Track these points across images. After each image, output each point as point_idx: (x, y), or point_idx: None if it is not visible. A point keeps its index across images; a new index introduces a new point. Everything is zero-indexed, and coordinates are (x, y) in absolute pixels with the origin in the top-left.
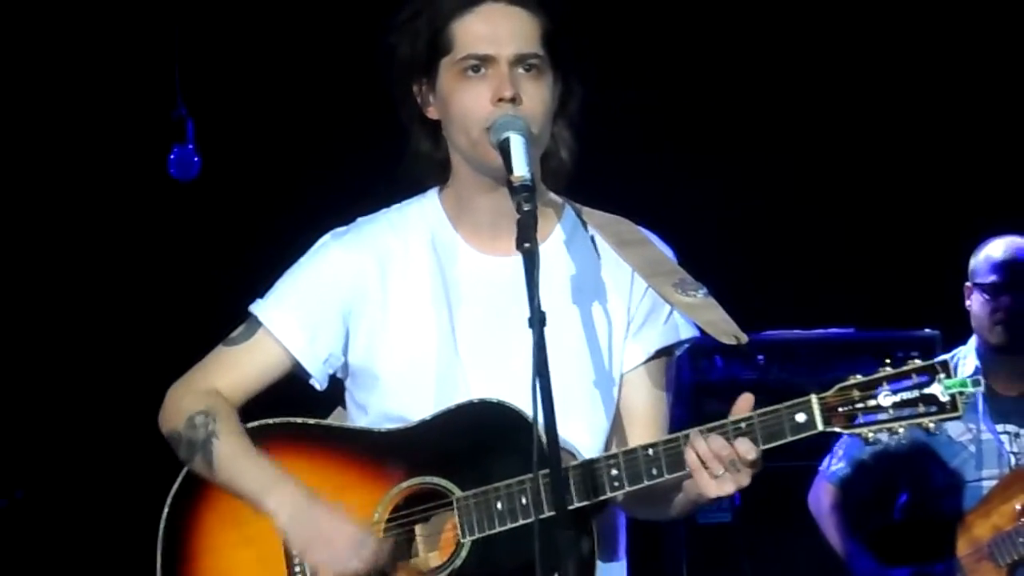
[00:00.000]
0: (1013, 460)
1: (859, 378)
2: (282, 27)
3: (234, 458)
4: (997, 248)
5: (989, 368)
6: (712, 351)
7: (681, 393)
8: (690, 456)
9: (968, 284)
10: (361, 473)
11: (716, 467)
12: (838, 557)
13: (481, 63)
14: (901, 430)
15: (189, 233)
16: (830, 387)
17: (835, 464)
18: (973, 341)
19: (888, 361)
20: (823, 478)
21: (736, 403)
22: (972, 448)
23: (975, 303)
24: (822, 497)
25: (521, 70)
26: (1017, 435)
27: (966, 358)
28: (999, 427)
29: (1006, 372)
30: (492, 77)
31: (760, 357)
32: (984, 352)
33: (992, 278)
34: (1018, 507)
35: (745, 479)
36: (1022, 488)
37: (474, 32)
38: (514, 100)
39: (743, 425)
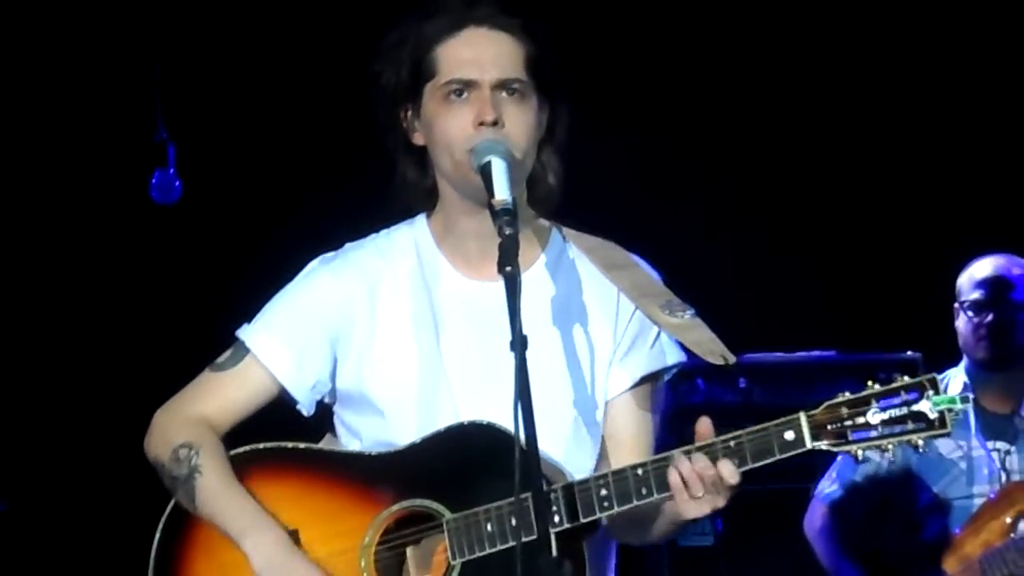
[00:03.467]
0: (1004, 477)
1: (847, 395)
2: (264, 51)
3: (215, 496)
4: (981, 266)
5: (978, 386)
6: (694, 374)
7: (663, 416)
8: (673, 477)
9: (956, 305)
10: (351, 497)
11: (697, 488)
12: None
13: (464, 87)
14: (890, 447)
15: (170, 257)
16: (816, 407)
17: (829, 486)
18: (963, 362)
19: (870, 383)
20: (817, 500)
21: (697, 429)
22: (963, 464)
23: (961, 321)
24: (816, 519)
25: (504, 94)
26: (1008, 452)
27: (955, 378)
28: (990, 444)
29: (995, 389)
30: (474, 101)
31: (742, 380)
32: (973, 370)
33: (976, 295)
34: (1008, 521)
35: (722, 501)
36: (1011, 504)
37: (457, 56)
38: (496, 123)
39: (732, 443)
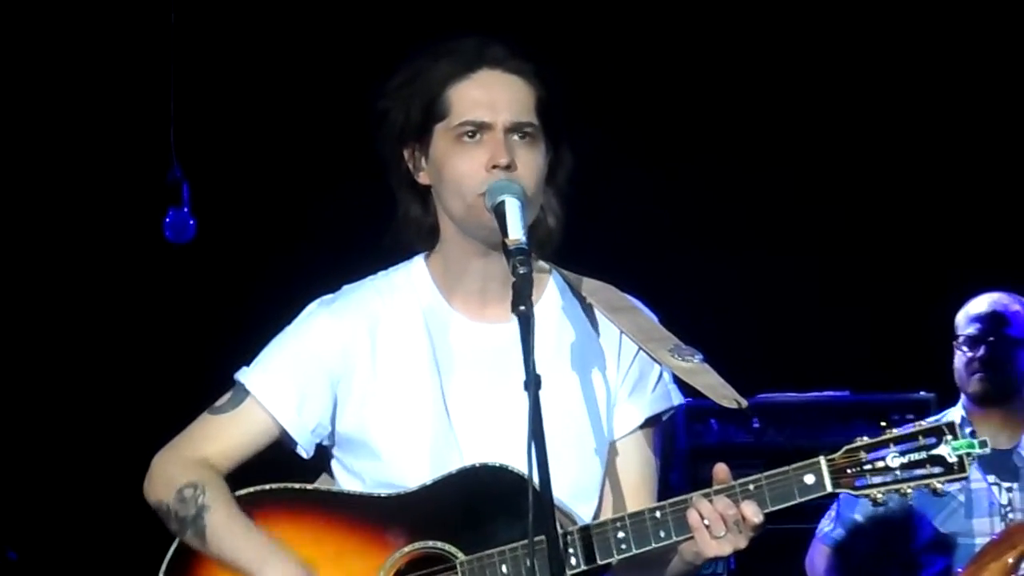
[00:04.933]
0: (1002, 511)
1: (866, 440)
2: (277, 91)
3: (227, 531)
4: (977, 302)
5: (975, 422)
6: (707, 414)
7: (677, 457)
8: (692, 516)
9: (953, 343)
10: (362, 538)
11: (719, 527)
12: None
13: (477, 129)
14: (909, 491)
15: (184, 297)
16: (828, 449)
17: (829, 526)
18: (961, 400)
19: (884, 424)
20: (819, 540)
21: (714, 473)
22: (961, 497)
23: (956, 358)
24: (817, 559)
25: (516, 137)
26: (1011, 489)
27: (952, 416)
28: (990, 477)
29: (993, 425)
30: (487, 143)
31: (755, 420)
32: (969, 406)
33: (971, 330)
34: (1010, 562)
35: (743, 541)
36: (1012, 544)
37: (471, 98)
38: (509, 167)
39: (751, 487)
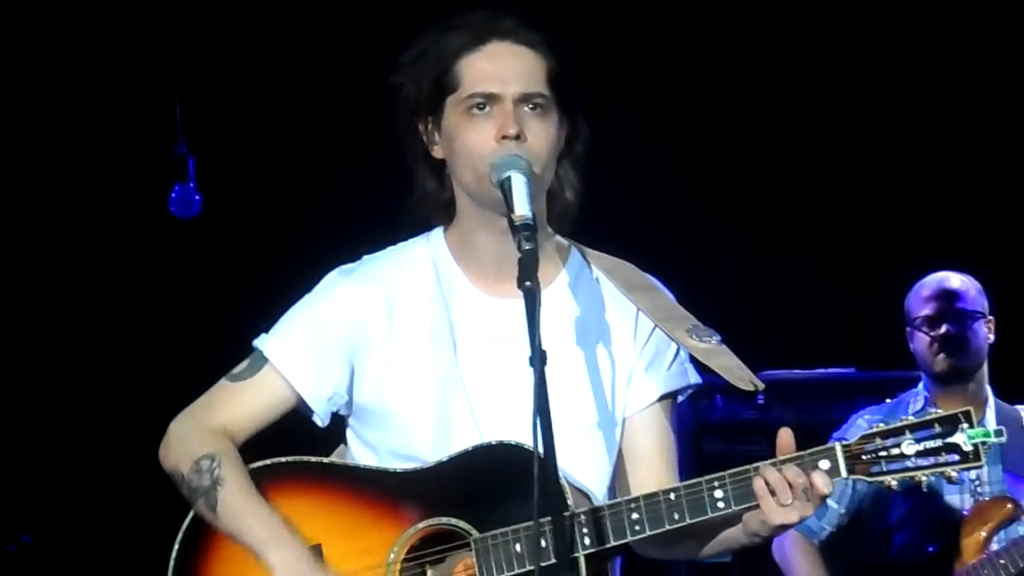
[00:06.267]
0: (972, 486)
1: (882, 426)
2: (283, 65)
3: (237, 507)
4: (924, 284)
5: (939, 401)
6: (712, 391)
7: (682, 433)
8: (758, 484)
9: (908, 329)
10: (377, 513)
11: (786, 495)
12: None
13: (486, 101)
14: (924, 479)
15: (190, 271)
16: (831, 427)
17: None
18: (922, 381)
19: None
20: None
21: (779, 441)
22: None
23: (915, 341)
24: (786, 542)
25: (526, 108)
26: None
27: (916, 398)
28: None
29: (955, 404)
30: (497, 115)
31: (760, 397)
32: (932, 386)
33: (926, 311)
34: (983, 537)
35: (810, 509)
36: (984, 521)
37: (480, 70)
38: (518, 137)
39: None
